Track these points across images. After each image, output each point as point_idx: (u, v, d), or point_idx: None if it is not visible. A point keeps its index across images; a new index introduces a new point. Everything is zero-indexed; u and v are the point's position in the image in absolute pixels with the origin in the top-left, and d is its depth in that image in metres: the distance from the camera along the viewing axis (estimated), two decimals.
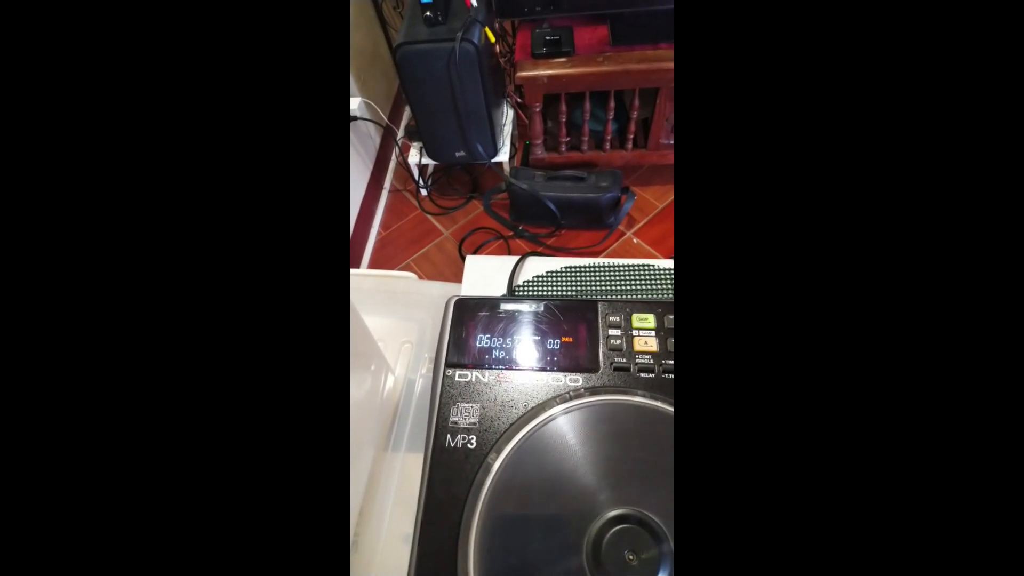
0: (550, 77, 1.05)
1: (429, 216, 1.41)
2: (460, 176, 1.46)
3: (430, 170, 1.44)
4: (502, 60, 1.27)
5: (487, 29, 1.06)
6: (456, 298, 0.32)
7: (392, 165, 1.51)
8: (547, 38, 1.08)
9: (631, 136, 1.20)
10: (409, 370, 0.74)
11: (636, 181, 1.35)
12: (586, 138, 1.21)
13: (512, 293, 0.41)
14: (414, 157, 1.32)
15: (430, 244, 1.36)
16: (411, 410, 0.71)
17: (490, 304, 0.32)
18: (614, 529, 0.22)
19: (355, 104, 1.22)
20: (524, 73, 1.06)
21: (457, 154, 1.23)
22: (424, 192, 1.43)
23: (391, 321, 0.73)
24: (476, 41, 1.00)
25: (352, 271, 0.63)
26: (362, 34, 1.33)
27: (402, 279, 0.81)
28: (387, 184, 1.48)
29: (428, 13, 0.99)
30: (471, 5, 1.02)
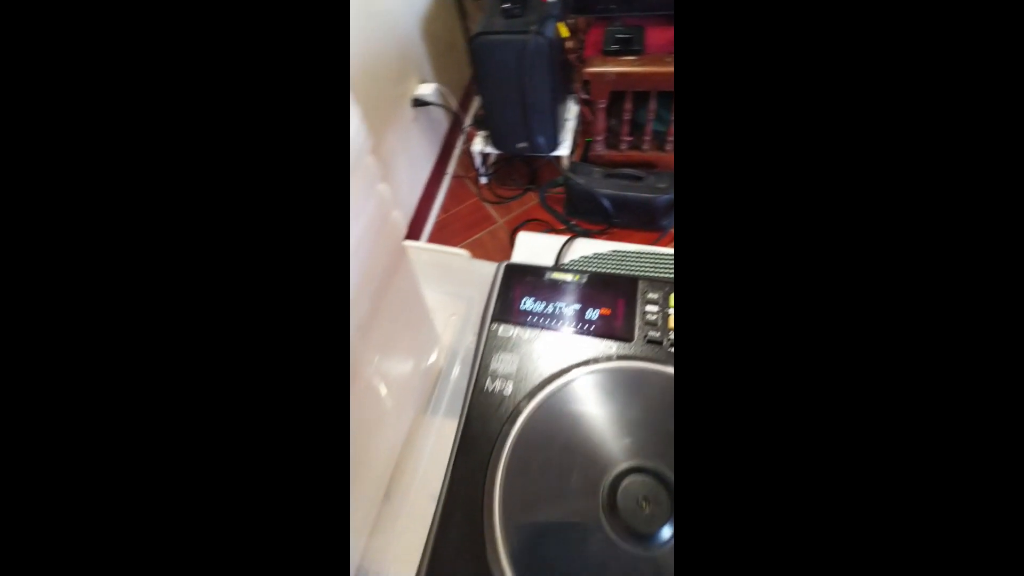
0: (618, 74, 1.06)
1: (486, 204, 1.45)
2: (520, 168, 1.49)
3: (492, 159, 1.48)
4: (572, 56, 1.29)
5: (561, 24, 1.08)
6: (507, 263, 0.35)
7: (457, 152, 1.57)
8: (618, 36, 1.08)
9: None
10: (454, 341, 0.78)
11: None
12: (648, 138, 1.20)
13: None
14: (478, 145, 1.37)
15: (484, 231, 1.40)
16: (451, 379, 0.75)
17: (537, 272, 0.34)
18: (630, 478, 0.24)
19: (429, 89, 1.28)
20: (593, 69, 1.07)
21: (519, 145, 1.26)
22: (484, 180, 1.47)
23: (442, 294, 0.77)
24: (549, 35, 1.03)
25: (411, 243, 0.68)
26: (441, 24, 1.39)
27: (456, 256, 0.85)
28: (450, 170, 1.54)
29: (507, 5, 1.03)
30: (547, 0, 1.05)
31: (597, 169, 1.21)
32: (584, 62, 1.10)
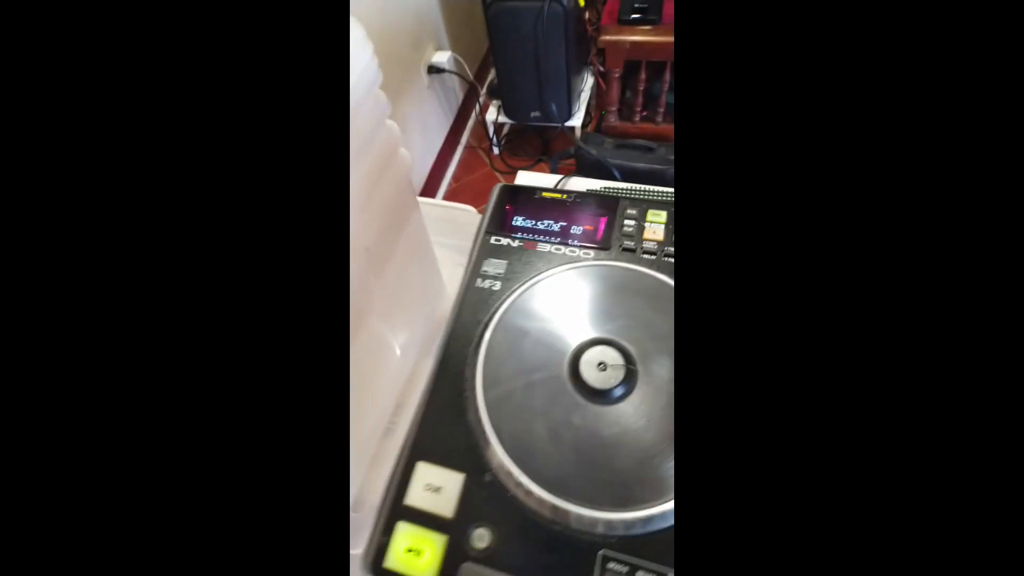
0: (633, 43, 1.07)
1: (497, 173, 1.48)
2: (532, 139, 1.51)
3: (505, 130, 1.50)
4: (589, 28, 1.30)
5: None
6: (502, 184, 0.39)
7: (470, 123, 1.59)
8: (636, 5, 1.09)
9: None
10: (457, 288, 0.82)
11: None
12: (662, 110, 1.21)
13: None
14: (492, 115, 1.39)
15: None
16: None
17: (529, 192, 0.38)
18: (592, 349, 0.27)
19: (445, 57, 1.30)
20: (608, 37, 1.08)
21: (532, 114, 1.28)
22: (496, 151, 1.49)
23: (449, 250, 0.81)
24: (565, 3, 1.04)
25: (422, 199, 0.71)
26: None
27: (464, 211, 0.89)
28: (463, 140, 1.57)
29: None
30: None
31: (609, 139, 1.23)
32: (600, 30, 1.11)
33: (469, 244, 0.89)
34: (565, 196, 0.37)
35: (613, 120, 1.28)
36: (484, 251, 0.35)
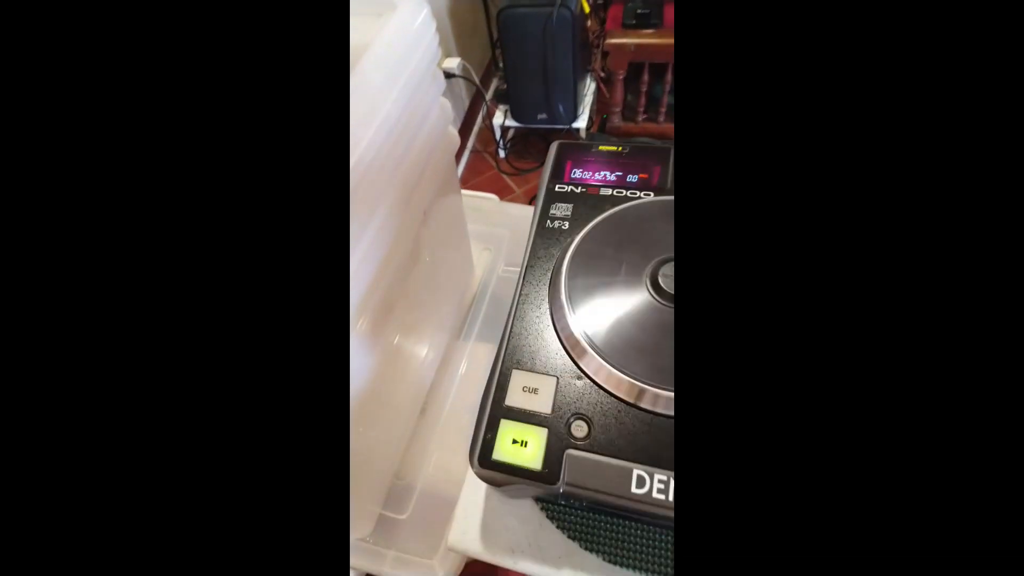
0: (637, 46, 1.13)
1: (504, 175, 1.53)
2: (537, 143, 1.56)
3: (510, 134, 1.55)
4: (592, 35, 1.36)
5: (583, 0, 1.15)
6: (559, 141, 0.42)
7: (476, 128, 1.64)
8: (638, 11, 1.16)
9: None
10: (486, 273, 0.85)
11: None
12: (663, 110, 1.27)
13: None
14: (499, 119, 1.44)
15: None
16: (483, 306, 0.82)
17: (585, 146, 0.41)
18: (666, 264, 0.31)
19: (455, 63, 1.35)
20: (613, 40, 1.15)
21: (539, 116, 1.34)
22: (503, 154, 1.54)
23: (476, 229, 0.85)
24: (572, 8, 1.10)
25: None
26: (465, 4, 1.46)
27: (487, 199, 0.93)
28: (470, 144, 1.61)
29: None
30: None
31: (614, 139, 1.28)
32: (605, 34, 1.17)
33: (494, 231, 0.93)
34: (620, 148, 0.40)
35: (617, 121, 1.34)
36: (550, 197, 0.38)
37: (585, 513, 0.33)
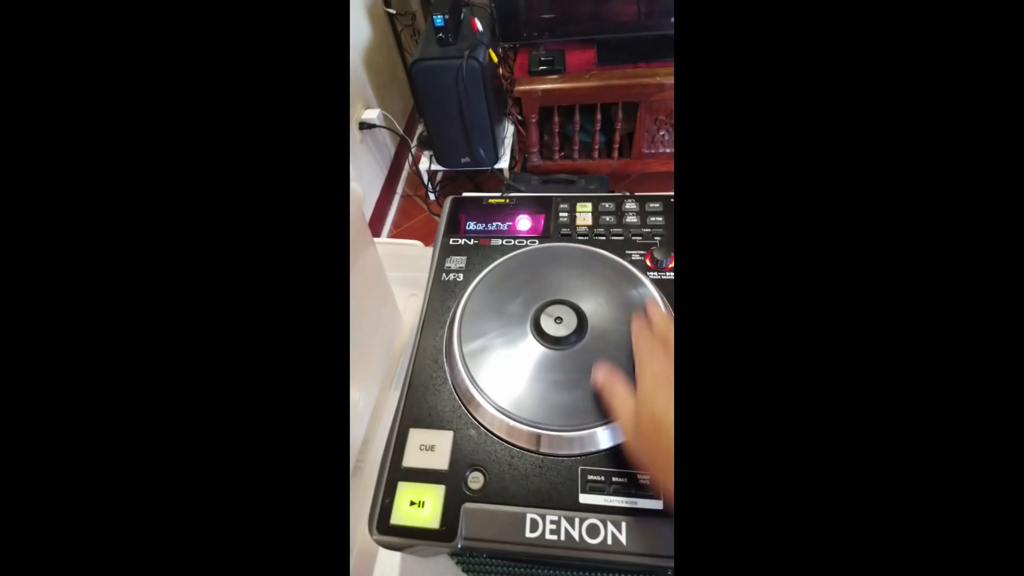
0: (544, 91, 1.21)
1: (435, 217, 1.55)
2: (465, 184, 1.60)
3: (438, 177, 1.58)
4: (504, 82, 1.44)
5: (491, 51, 1.22)
6: (453, 196, 0.45)
7: (404, 173, 1.67)
8: (542, 59, 1.24)
9: (616, 146, 1.34)
10: (414, 320, 0.85)
11: (625, 188, 1.49)
12: (576, 147, 1.36)
13: None
14: (424, 164, 1.47)
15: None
16: (413, 354, 0.81)
17: (477, 200, 0.44)
18: (549, 308, 0.33)
19: (374, 114, 1.38)
20: (522, 87, 1.22)
21: (463, 160, 1.38)
22: (432, 197, 1.57)
23: (400, 279, 0.85)
24: (481, 59, 1.17)
25: (375, 239, 0.75)
26: (382, 57, 1.51)
27: (410, 245, 0.93)
28: (399, 190, 1.63)
29: (440, 35, 1.16)
30: (477, 29, 1.19)
31: (535, 177, 1.34)
32: (514, 82, 1.25)
33: (419, 276, 0.93)
34: (507, 200, 0.43)
35: (536, 160, 1.40)
36: (445, 251, 0.40)
37: (498, 561, 0.33)
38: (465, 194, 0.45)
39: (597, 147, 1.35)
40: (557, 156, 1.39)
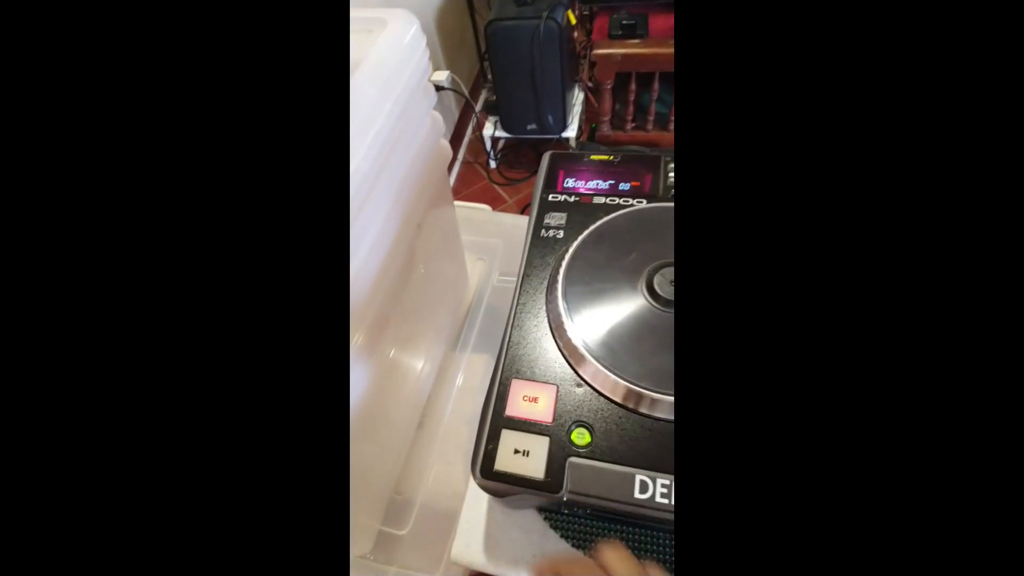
0: (624, 55, 1.15)
1: (495, 186, 1.54)
2: (527, 153, 1.57)
3: (500, 145, 1.56)
4: (579, 46, 1.39)
5: (569, 12, 1.17)
6: (551, 151, 0.43)
7: (466, 140, 1.65)
8: (623, 23, 1.18)
9: None
10: (481, 284, 0.85)
11: None
12: (651, 118, 1.29)
13: None
14: (488, 130, 1.45)
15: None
16: (479, 317, 0.82)
17: (576, 157, 0.42)
18: (663, 269, 0.31)
19: (443, 76, 1.36)
20: (600, 51, 1.16)
21: (529, 126, 1.35)
22: (493, 165, 1.55)
23: (469, 239, 0.85)
24: (559, 20, 1.12)
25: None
26: (453, 18, 1.48)
27: (480, 209, 0.93)
28: (460, 155, 1.62)
29: None
30: None
31: (604, 148, 1.30)
32: (592, 45, 1.19)
33: (487, 240, 0.93)
34: (611, 157, 0.41)
35: (606, 130, 1.35)
36: (544, 206, 0.39)
37: (588, 521, 0.33)
38: (560, 150, 0.44)
39: (674, 119, 1.28)
40: (629, 127, 1.33)
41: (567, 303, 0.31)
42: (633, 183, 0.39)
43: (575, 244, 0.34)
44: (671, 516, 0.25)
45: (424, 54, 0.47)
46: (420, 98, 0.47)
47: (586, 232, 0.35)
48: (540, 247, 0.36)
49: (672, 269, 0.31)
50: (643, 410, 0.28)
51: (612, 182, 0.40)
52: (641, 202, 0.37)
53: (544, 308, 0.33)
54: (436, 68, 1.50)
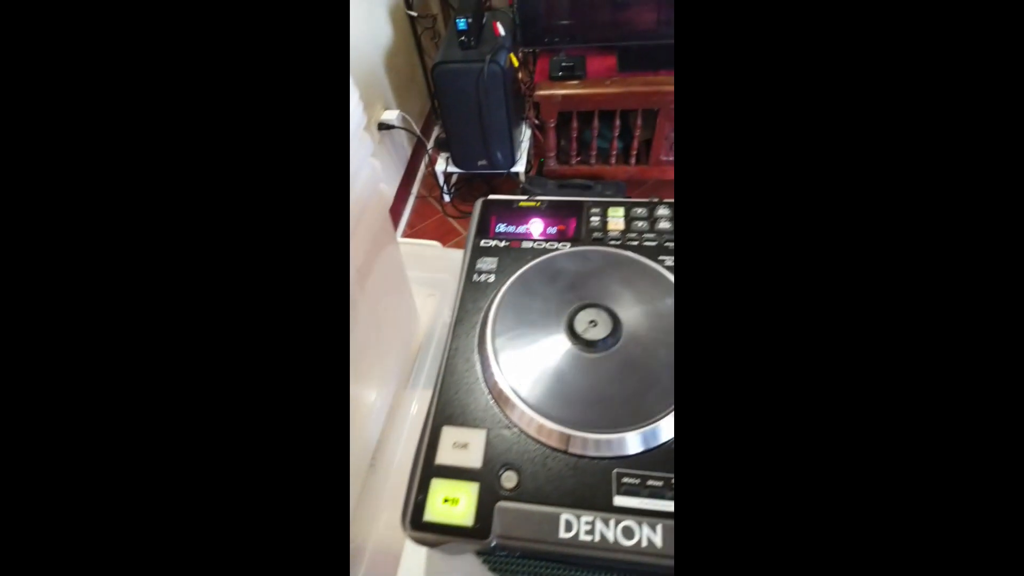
0: (564, 96, 1.21)
1: (450, 219, 1.56)
2: (480, 186, 1.61)
3: (453, 179, 1.59)
4: (523, 86, 1.45)
5: (512, 55, 1.23)
6: (483, 199, 0.45)
7: (420, 174, 1.68)
8: (563, 64, 1.25)
9: (634, 153, 1.34)
10: (431, 320, 0.86)
11: (641, 194, 1.49)
12: (594, 153, 1.36)
13: None
14: (441, 166, 1.48)
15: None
16: (430, 353, 0.82)
17: (508, 203, 0.44)
18: (583, 311, 0.33)
19: (393, 115, 1.39)
20: (542, 92, 1.23)
21: (479, 163, 1.39)
22: (447, 198, 1.58)
23: (417, 279, 0.86)
24: (502, 63, 1.18)
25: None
26: (402, 59, 1.52)
27: (429, 246, 0.94)
28: (414, 190, 1.64)
29: (463, 38, 1.17)
30: (499, 33, 1.20)
31: (551, 182, 1.35)
32: (535, 87, 1.25)
33: (437, 276, 0.94)
34: (538, 203, 0.43)
35: (553, 164, 1.41)
36: (476, 252, 0.41)
37: (526, 561, 0.33)
38: (493, 196, 0.46)
39: (615, 153, 1.35)
40: (574, 161, 1.39)
41: (495, 347, 0.33)
42: (559, 227, 0.42)
43: (502, 289, 0.36)
44: (596, 553, 0.26)
45: (357, 105, 0.49)
46: (357, 148, 0.49)
47: (513, 276, 0.37)
48: (472, 291, 0.38)
49: (592, 310, 0.33)
50: (569, 450, 0.29)
51: (540, 227, 0.42)
52: (565, 245, 0.40)
53: (476, 352, 0.34)
54: (385, 108, 1.52)
